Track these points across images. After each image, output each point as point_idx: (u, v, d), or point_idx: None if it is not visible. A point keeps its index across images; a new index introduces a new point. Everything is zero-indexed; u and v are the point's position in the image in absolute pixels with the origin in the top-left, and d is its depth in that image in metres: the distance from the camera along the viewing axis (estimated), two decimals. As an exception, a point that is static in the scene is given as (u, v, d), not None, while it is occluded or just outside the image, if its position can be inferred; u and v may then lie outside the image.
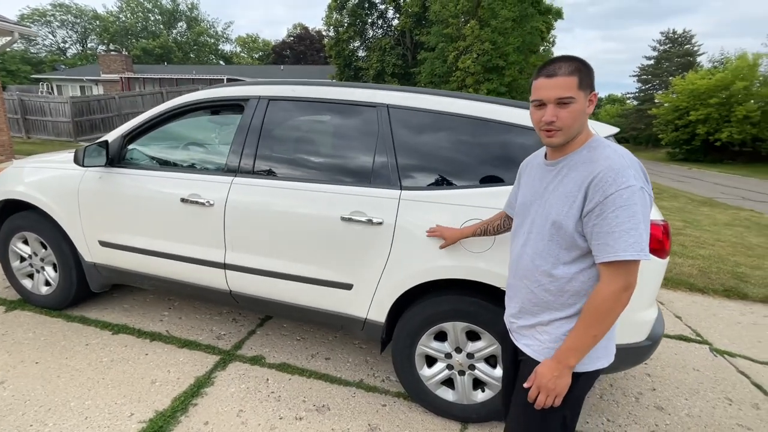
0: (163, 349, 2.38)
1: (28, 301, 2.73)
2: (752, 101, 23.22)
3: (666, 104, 27.37)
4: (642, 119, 35.23)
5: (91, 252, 2.46)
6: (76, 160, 2.24)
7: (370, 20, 23.47)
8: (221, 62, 46.18)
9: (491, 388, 1.90)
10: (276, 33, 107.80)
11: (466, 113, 1.89)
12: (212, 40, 46.60)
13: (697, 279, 4.17)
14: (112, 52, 25.77)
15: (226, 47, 48.99)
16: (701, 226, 7.07)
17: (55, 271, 2.61)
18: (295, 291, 2.07)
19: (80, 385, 2.02)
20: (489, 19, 15.83)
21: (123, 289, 3.06)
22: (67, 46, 44.15)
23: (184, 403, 1.94)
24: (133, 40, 41.49)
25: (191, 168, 2.31)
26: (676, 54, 37.42)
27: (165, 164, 2.38)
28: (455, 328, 1.86)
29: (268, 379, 2.18)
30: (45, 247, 2.59)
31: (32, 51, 39.21)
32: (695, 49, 37.41)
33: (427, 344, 1.93)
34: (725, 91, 23.47)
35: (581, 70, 1.03)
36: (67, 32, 42.76)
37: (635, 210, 0.97)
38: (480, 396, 1.92)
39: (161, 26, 43.37)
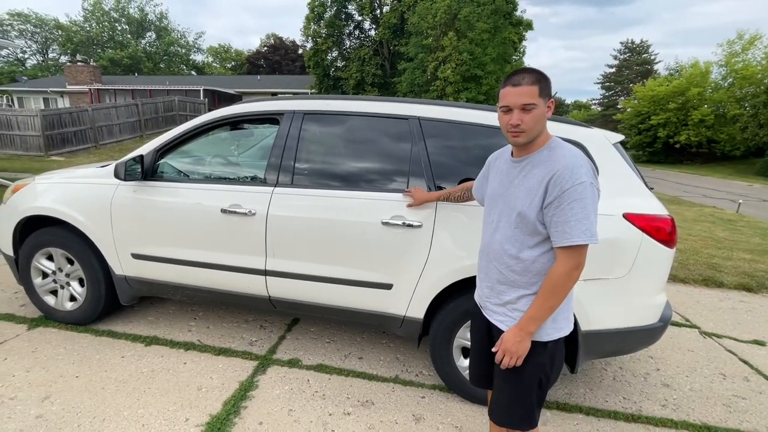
0: (200, 357, 2.43)
1: (51, 318, 2.70)
2: (706, 106, 24.99)
3: (629, 109, 29.04)
4: (607, 124, 37.10)
5: (122, 265, 2.48)
6: (117, 175, 2.28)
7: (347, 31, 23.77)
8: (193, 72, 45.27)
9: (524, 373, 2.07)
10: (246, 42, 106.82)
11: (488, 123, 2.08)
12: (183, 50, 45.67)
13: (678, 270, 4.53)
14: (79, 63, 24.85)
15: (198, 57, 48.13)
16: (673, 223, 7.61)
17: (82, 286, 2.61)
18: (336, 293, 2.19)
19: (128, 395, 2.05)
20: (466, 30, 16.44)
21: (144, 303, 3.07)
22: (26, 56, 42.15)
23: (235, 406, 2.01)
24: (99, 51, 40.09)
25: (229, 180, 2.40)
26: (635, 62, 39.79)
27: (201, 177, 2.45)
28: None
29: (308, 380, 2.28)
30: (71, 263, 2.59)
31: (-13, 61, 37.20)
32: (652, 57, 39.94)
33: (465, 336, 2.09)
34: (681, 96, 25.16)
35: (541, 80, 1.23)
36: (26, 42, 40.83)
37: (587, 203, 1.17)
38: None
39: (129, 36, 42.14)
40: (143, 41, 43.09)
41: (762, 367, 2.71)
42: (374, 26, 23.18)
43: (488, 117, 2.09)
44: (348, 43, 24.08)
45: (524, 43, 21.99)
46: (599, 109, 43.58)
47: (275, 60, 39.70)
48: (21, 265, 2.65)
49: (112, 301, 2.63)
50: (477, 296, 1.50)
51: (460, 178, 2.10)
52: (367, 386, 2.26)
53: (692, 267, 4.68)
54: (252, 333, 2.75)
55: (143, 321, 2.81)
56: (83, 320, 2.64)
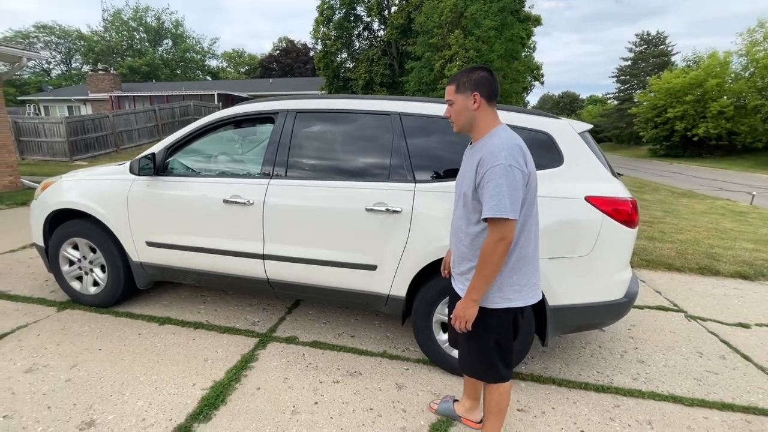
0: (207, 334, 2.68)
1: (77, 301, 3.01)
2: (725, 97, 24.32)
3: (645, 103, 28.48)
4: (623, 118, 36.42)
5: (138, 252, 2.76)
6: (132, 171, 2.57)
7: (356, 32, 24.06)
8: (208, 77, 46.44)
9: (498, 346, 2.25)
10: (260, 47, 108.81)
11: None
12: (198, 56, 46.91)
13: (675, 260, 4.60)
14: (100, 71, 25.85)
15: (213, 62, 49.36)
16: (680, 215, 7.57)
17: (104, 272, 2.91)
18: (326, 274, 2.41)
19: (143, 364, 2.32)
20: (472, 28, 16.49)
21: (159, 288, 3.36)
22: (51, 66, 44.05)
23: (236, 374, 2.26)
24: (119, 59, 41.57)
25: (230, 174, 2.65)
26: (651, 54, 38.87)
27: (206, 171, 2.72)
28: (466, 297, 2.22)
29: (304, 354, 2.50)
30: (94, 251, 2.89)
31: (16, 73, 38.99)
32: (669, 49, 38.93)
33: (443, 312, 2.28)
34: (699, 88, 24.58)
35: (458, 80, 1.47)
36: (51, 53, 42.67)
37: (500, 182, 1.33)
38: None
39: (147, 44, 43.56)
40: (160, 49, 44.45)
41: (741, 347, 2.81)
42: (382, 27, 23.41)
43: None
44: (357, 45, 24.37)
45: (534, 38, 21.84)
46: (615, 103, 42.72)
47: (287, 63, 40.37)
48: (50, 254, 2.96)
49: (130, 286, 2.92)
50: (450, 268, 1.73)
51: (437, 168, 2.29)
52: (357, 360, 2.47)
53: (690, 256, 4.73)
54: (255, 315, 3.00)
55: (158, 304, 3.10)
56: (105, 303, 2.94)
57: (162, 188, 2.64)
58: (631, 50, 40.96)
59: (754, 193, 10.14)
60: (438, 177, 2.26)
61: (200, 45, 47.15)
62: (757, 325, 3.15)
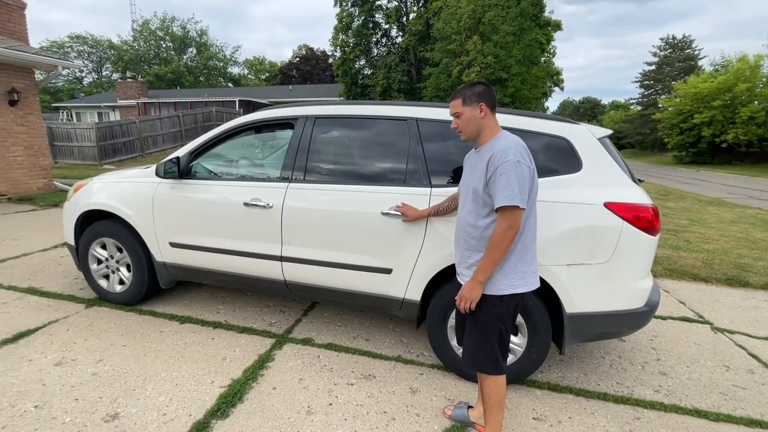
0: (226, 334, 2.75)
1: (104, 298, 3.13)
2: (756, 102, 23.38)
3: (670, 108, 27.64)
4: (646, 124, 35.43)
5: (162, 253, 2.86)
6: (158, 174, 2.68)
7: (374, 39, 24.33)
8: (230, 84, 47.70)
9: (514, 353, 2.23)
10: (280, 54, 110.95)
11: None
12: (221, 64, 48.29)
13: (701, 270, 4.44)
14: (129, 79, 26.94)
15: (234, 70, 50.68)
16: (707, 224, 7.30)
17: (129, 271, 3.02)
18: (342, 277, 2.44)
19: (165, 361, 2.39)
20: (490, 34, 16.45)
21: (181, 288, 3.46)
22: (83, 74, 46.14)
23: (253, 373, 2.30)
24: (146, 67, 43.22)
25: (251, 177, 2.73)
26: (677, 59, 37.81)
27: (227, 175, 2.80)
28: (481, 302, 2.21)
29: (319, 356, 2.53)
30: (120, 251, 3.01)
31: (51, 81, 41.01)
32: (696, 53, 37.79)
33: (458, 317, 2.28)
34: (728, 93, 23.70)
35: (464, 93, 1.65)
36: (83, 62, 44.75)
37: (510, 175, 1.49)
38: (509, 359, 2.25)
39: (172, 52, 45.15)
40: (185, 57, 45.96)
41: (771, 362, 2.69)
42: (400, 33, 23.61)
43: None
44: (375, 51, 24.64)
45: (554, 43, 21.59)
46: (638, 108, 41.65)
47: (306, 70, 41.09)
48: (80, 253, 3.10)
49: (153, 285, 3.02)
50: (456, 265, 1.80)
51: (452, 173, 2.30)
52: (371, 363, 2.48)
53: (717, 267, 4.56)
54: (272, 316, 3.05)
55: (179, 303, 3.19)
56: (130, 301, 3.05)
57: (185, 191, 2.73)
58: (655, 54, 39.96)
59: (788, 201, 9.67)
60: (453, 182, 2.27)
61: (223, 53, 48.53)
62: (789, 339, 3.01)
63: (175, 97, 26.29)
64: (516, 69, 16.64)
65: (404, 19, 23.22)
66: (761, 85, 23.77)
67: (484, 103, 1.63)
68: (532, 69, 18.01)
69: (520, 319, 2.15)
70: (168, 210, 2.77)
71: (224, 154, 2.91)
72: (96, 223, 3.02)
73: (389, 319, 3.07)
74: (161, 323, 2.86)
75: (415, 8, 22.55)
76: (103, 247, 3.06)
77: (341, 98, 23.97)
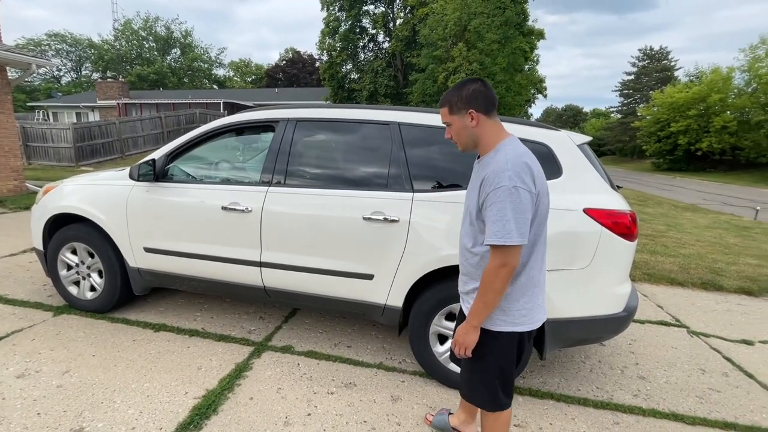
0: (203, 342, 2.66)
1: (74, 306, 3.00)
2: (728, 112, 24.37)
3: (648, 117, 28.56)
4: (626, 132, 36.47)
5: (136, 258, 2.76)
6: (132, 176, 2.58)
7: (361, 44, 24.40)
8: (215, 86, 47.07)
9: (495, 359, 2.21)
10: (266, 57, 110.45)
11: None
12: (206, 65, 47.61)
13: (677, 274, 4.54)
14: (109, 79, 26.31)
15: (220, 72, 50.05)
16: (683, 229, 7.51)
17: (101, 277, 2.90)
18: (323, 283, 2.39)
19: (136, 371, 2.29)
20: (476, 41, 16.69)
21: (156, 295, 3.34)
22: (61, 73, 44.82)
23: (229, 383, 2.23)
24: (128, 67, 42.26)
25: (229, 181, 2.66)
26: (654, 69, 39.12)
27: (205, 178, 2.73)
28: (463, 308, 2.19)
29: (299, 364, 2.47)
30: (92, 256, 2.89)
31: (26, 79, 39.67)
32: (672, 64, 39.20)
33: (440, 324, 2.26)
34: (702, 103, 24.65)
35: (450, 101, 1.39)
36: (61, 60, 43.45)
37: (504, 205, 1.23)
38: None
39: (156, 53, 44.30)
40: (168, 57, 45.17)
41: (744, 364, 2.75)
42: (387, 39, 23.74)
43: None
44: (362, 56, 24.69)
45: (537, 52, 22.05)
46: (618, 116, 42.84)
47: (293, 73, 40.90)
48: (49, 259, 2.97)
49: (126, 292, 2.91)
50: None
51: (435, 179, 2.29)
52: (352, 370, 2.44)
53: (693, 271, 4.68)
54: (251, 323, 2.97)
55: (154, 310, 3.08)
56: (101, 308, 2.93)
57: (161, 194, 2.65)
58: (634, 65, 41.28)
59: (758, 208, 10.05)
60: (436, 187, 2.26)
61: (208, 54, 47.88)
62: (761, 342, 3.10)
63: (158, 98, 25.76)
64: (501, 76, 16.91)
65: (391, 24, 23.37)
66: (733, 96, 24.80)
67: (473, 108, 1.35)
68: (516, 76, 18.33)
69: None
70: (143, 214, 2.68)
71: (202, 156, 2.83)
72: (66, 227, 2.89)
73: (372, 325, 3.03)
74: (134, 331, 2.75)
75: (402, 14, 22.73)
76: (74, 252, 2.94)
77: (328, 102, 23.91)
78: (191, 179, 2.73)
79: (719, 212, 10.26)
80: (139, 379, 2.23)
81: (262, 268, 2.48)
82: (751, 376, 2.61)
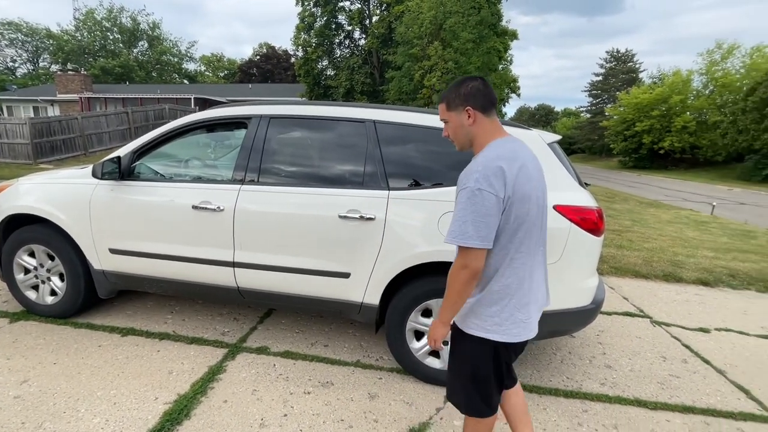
0: (173, 346, 2.58)
1: (32, 312, 2.83)
2: (688, 113, 25.70)
3: (615, 116, 29.73)
4: (595, 131, 37.85)
5: (100, 260, 2.64)
6: (95, 175, 2.46)
7: (337, 40, 24.17)
8: (185, 81, 45.49)
9: (471, 353, 2.25)
10: (239, 51, 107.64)
11: (436, 125, 2.29)
12: (175, 59, 45.91)
13: (642, 267, 4.77)
14: (70, 72, 24.88)
15: (190, 66, 48.39)
16: (647, 224, 7.89)
17: (62, 280, 2.76)
18: (299, 282, 2.37)
19: (102, 378, 2.20)
20: (451, 40, 16.86)
21: (123, 297, 3.21)
22: (16, 65, 42.12)
23: (202, 386, 2.17)
24: (91, 59, 40.17)
25: (200, 179, 2.58)
26: (621, 71, 40.74)
27: (174, 176, 2.64)
28: (438, 304, 2.21)
29: (274, 365, 2.44)
30: (52, 259, 2.73)
31: (-23, 71, 37.10)
32: (637, 66, 40.94)
33: (416, 320, 2.28)
34: (664, 104, 25.86)
35: (448, 97, 1.37)
36: (16, 51, 40.84)
37: (465, 206, 1.22)
38: (462, 362, 2.27)
39: (121, 45, 42.30)
40: (135, 50, 43.28)
41: (701, 351, 2.92)
42: (363, 36, 23.62)
43: (432, 120, 2.30)
44: (338, 52, 24.48)
45: (511, 52, 22.50)
46: (588, 116, 44.39)
47: (267, 69, 40.07)
48: (4, 262, 2.79)
49: (91, 295, 2.77)
50: None
51: (411, 176, 2.30)
52: (330, 369, 2.42)
53: (655, 264, 4.92)
54: (225, 324, 2.90)
55: (121, 314, 2.96)
56: (63, 314, 2.78)
57: (128, 193, 2.54)
58: (602, 66, 42.84)
59: (715, 203, 10.68)
60: (412, 185, 2.27)
61: (177, 48, 46.17)
62: (716, 329, 3.30)
63: (124, 93, 24.66)
64: (476, 75, 17.16)
65: (367, 21, 23.27)
66: (692, 98, 26.15)
67: (471, 105, 1.32)
68: (491, 76, 18.64)
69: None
70: (108, 214, 2.56)
71: (172, 154, 2.73)
72: (22, 229, 2.72)
73: (349, 323, 3.03)
74: (100, 337, 2.63)
75: (378, 11, 22.67)
76: (32, 254, 2.77)
77: (303, 98, 23.58)
78: (160, 177, 2.62)
79: (680, 208, 10.83)
80: (105, 386, 2.13)
81: (236, 269, 2.42)
82: (707, 361, 2.77)
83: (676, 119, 25.08)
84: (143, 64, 42.27)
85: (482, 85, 1.35)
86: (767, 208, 11.42)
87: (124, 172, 2.54)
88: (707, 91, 25.92)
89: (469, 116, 1.34)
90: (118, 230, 2.56)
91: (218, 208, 2.37)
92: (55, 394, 2.05)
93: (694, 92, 26.57)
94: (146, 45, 44.00)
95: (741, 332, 3.26)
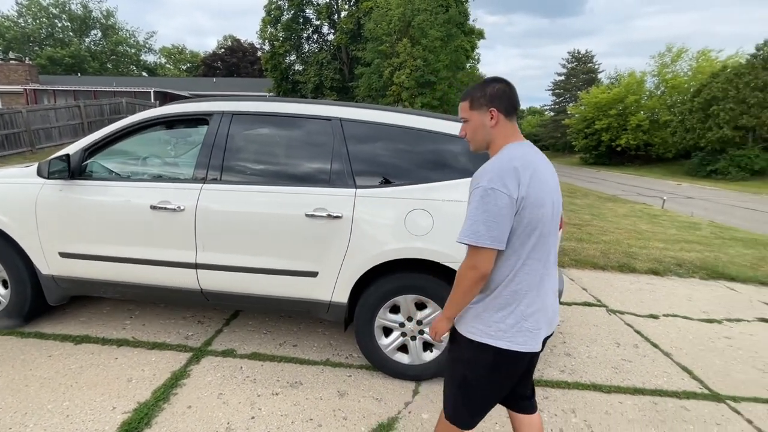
0: (133, 352, 2.47)
1: (-29, 322, 2.62)
2: (642, 112, 27.23)
3: (576, 115, 31.05)
4: (558, 128, 39.38)
5: (49, 264, 2.47)
6: (41, 174, 2.30)
7: (305, 35, 23.76)
8: (144, 74, 43.22)
9: (438, 348, 2.31)
10: (202, 44, 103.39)
11: (403, 124, 2.32)
12: (133, 50, 43.46)
13: (599, 259, 5.03)
14: (12, 61, 23.04)
15: (149, 58, 45.99)
16: (605, 218, 8.32)
17: (5, 287, 2.57)
18: (266, 283, 2.32)
19: (53, 390, 2.07)
20: (420, 37, 17.00)
21: (77, 304, 3.03)
22: (-51, 53, 38.43)
23: (164, 393, 2.09)
24: (36, 48, 37.29)
25: (159, 177, 2.47)
26: (581, 71, 42.55)
27: (132, 175, 2.51)
28: (406, 301, 2.25)
29: (241, 367, 2.39)
30: (-6, 264, 2.54)
31: None
32: (596, 67, 42.88)
33: (384, 317, 2.30)
34: (621, 103, 27.26)
35: (472, 95, 1.32)
36: (-52, 37, 37.28)
37: (477, 205, 1.19)
38: (429, 356, 2.32)
39: (71, 33, 39.50)
40: (87, 39, 40.58)
41: (651, 336, 3.13)
42: (332, 31, 23.36)
43: (399, 118, 2.32)
44: (306, 47, 24.08)
45: (477, 50, 22.99)
46: (551, 114, 46.11)
47: (232, 62, 38.79)
48: (-63, 269, 2.56)
49: (39, 303, 2.60)
50: None
51: (378, 175, 2.31)
52: (298, 370, 2.40)
53: (612, 256, 5.21)
54: (189, 328, 2.81)
55: (74, 321, 2.79)
56: (8, 324, 2.59)
57: (79, 193, 2.39)
58: (564, 66, 44.55)
59: (665, 198, 11.43)
60: (379, 183, 2.28)
61: (135, 38, 43.72)
62: (664, 315, 3.54)
63: (76, 85, 23.11)
64: (444, 73, 17.43)
65: (335, 16, 23.00)
66: (646, 98, 27.72)
67: (495, 107, 1.28)
68: (458, 74, 18.98)
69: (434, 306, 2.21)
70: (57, 215, 2.40)
71: (128, 151, 2.60)
72: (-42, 233, 2.51)
73: (318, 322, 3.01)
74: (50, 345, 2.48)
75: (347, 6, 22.47)
76: (-30, 260, 2.56)
77: (271, 94, 23.03)
78: (115, 176, 2.49)
79: (635, 202, 11.49)
80: (56, 398, 2.01)
81: (198, 270, 2.35)
82: (656, 345, 2.98)
83: (631, 118, 26.52)
84: (97, 54, 39.74)
85: (508, 87, 1.32)
86: (710, 202, 12.34)
87: (74, 170, 2.39)
88: (659, 92, 27.56)
89: (492, 117, 1.29)
90: (69, 233, 2.41)
91: (178, 207, 2.28)
92: (0, 409, 1.91)
93: (648, 93, 28.18)
94: (99, 34, 41.34)
95: (686, 317, 3.52)
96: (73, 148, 2.44)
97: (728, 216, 9.55)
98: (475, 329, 1.29)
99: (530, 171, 1.23)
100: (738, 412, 2.25)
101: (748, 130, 19.33)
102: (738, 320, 3.52)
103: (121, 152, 2.56)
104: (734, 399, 2.37)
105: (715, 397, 2.38)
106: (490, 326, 1.27)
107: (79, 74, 33.12)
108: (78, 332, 2.65)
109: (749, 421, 2.18)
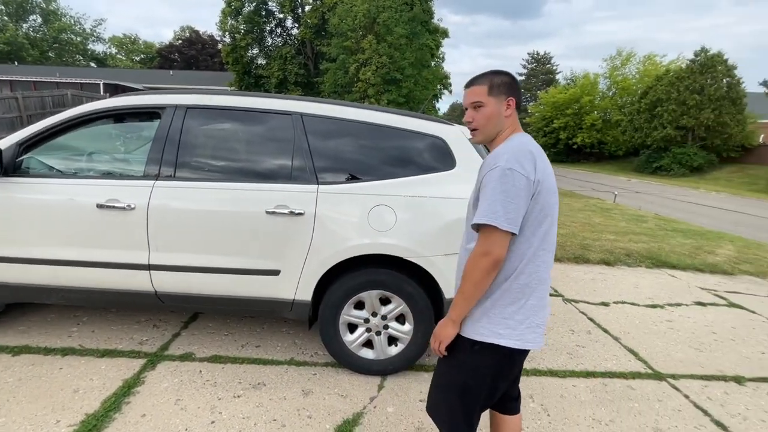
0: (80, 361, 2.31)
1: None
2: (595, 112, 28.80)
3: (536, 114, 32.35)
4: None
5: (-20, 270, 2.26)
6: (-32, 170, 2.09)
7: (268, 28, 23.10)
8: (92, 64, 40.34)
9: (402, 341, 2.33)
10: (157, 34, 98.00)
11: (366, 120, 2.31)
12: (78, 39, 40.44)
13: (556, 251, 5.27)
14: (-63, 47, 20.78)
15: (98, 47, 43.00)
16: (562, 212, 8.72)
17: (-72, 296, 2.32)
18: (225, 283, 2.25)
19: (-14, 406, 1.90)
20: (385, 34, 17.02)
21: (15, 312, 2.79)
22: None
23: (115, 402, 1.98)
24: (-34, 33, 33.84)
25: (106, 174, 2.32)
26: (540, 72, 44.35)
27: (74, 172, 2.34)
28: (371, 296, 2.26)
29: (201, 371, 2.30)
30: None
31: None
32: (554, 68, 44.85)
33: (349, 313, 2.29)
34: (576, 103, 28.67)
35: (492, 80, 1.25)
36: None
37: (495, 185, 1.13)
38: (394, 350, 2.34)
39: (6, 18, 36.15)
40: (26, 25, 37.33)
41: (602, 322, 3.33)
42: (296, 25, 22.87)
43: (361, 114, 2.32)
44: (269, 41, 23.44)
45: (442, 49, 23.34)
46: (513, 113, 47.61)
47: (191, 54, 37.10)
48: None
49: (-31, 312, 2.37)
50: None
51: (341, 171, 2.29)
52: (261, 370, 2.35)
53: (568, 248, 5.48)
54: (143, 333, 2.67)
55: (12, 331, 2.58)
56: (-68, 335, 2.35)
57: (12, 191, 2.20)
58: (524, 66, 46.26)
59: (616, 193, 12.17)
60: (342, 179, 2.27)
61: (80, 26, 40.71)
62: (614, 302, 3.78)
63: (12, 74, 21.23)
64: (409, 71, 17.56)
65: (299, 10, 22.53)
66: (599, 99, 29.32)
67: (514, 98, 1.25)
68: (424, 71, 19.19)
69: (406, 307, 2.25)
70: (-13, 216, 2.20)
71: (71, 146, 2.42)
72: None
73: (283, 321, 2.95)
74: (-17, 359, 2.27)
75: (311, 0, 22.06)
76: None
77: (233, 88, 22.23)
78: (56, 173, 2.31)
79: (589, 197, 12.15)
80: (-10, 414, 1.85)
81: (152, 272, 2.23)
82: (606, 331, 3.17)
83: (586, 117, 27.98)
84: (37, 41, 36.65)
85: (516, 81, 1.30)
86: (655, 196, 13.28)
87: (7, 167, 2.20)
88: (611, 93, 29.23)
89: (508, 106, 1.25)
90: (2, 234, 2.21)
91: (128, 206, 2.16)
92: None
93: (600, 94, 29.82)
94: (39, 20, 38.15)
95: (633, 303, 3.78)
96: (5, 143, 2.24)
97: (671, 209, 10.32)
98: (483, 329, 1.21)
99: (542, 157, 1.22)
100: (677, 389, 2.44)
101: (688, 129, 20.93)
102: (678, 304, 3.82)
103: (62, 147, 2.38)
104: (673, 377, 2.57)
105: (657, 375, 2.57)
106: (498, 324, 1.20)
107: (16, 63, 30.41)
108: (16, 342, 2.44)
109: (686, 396, 2.38)
